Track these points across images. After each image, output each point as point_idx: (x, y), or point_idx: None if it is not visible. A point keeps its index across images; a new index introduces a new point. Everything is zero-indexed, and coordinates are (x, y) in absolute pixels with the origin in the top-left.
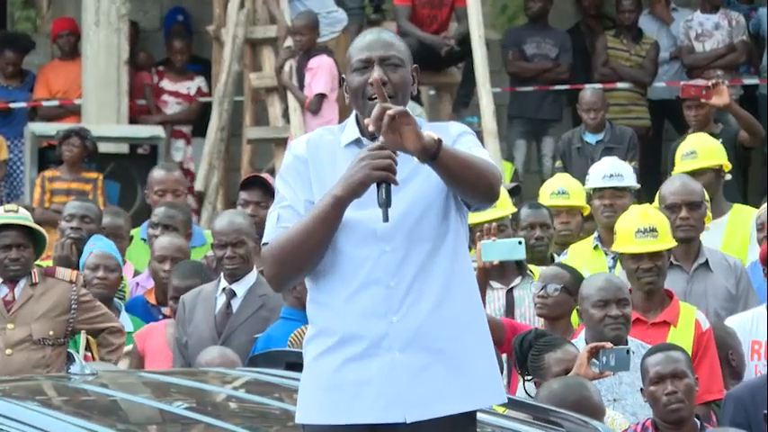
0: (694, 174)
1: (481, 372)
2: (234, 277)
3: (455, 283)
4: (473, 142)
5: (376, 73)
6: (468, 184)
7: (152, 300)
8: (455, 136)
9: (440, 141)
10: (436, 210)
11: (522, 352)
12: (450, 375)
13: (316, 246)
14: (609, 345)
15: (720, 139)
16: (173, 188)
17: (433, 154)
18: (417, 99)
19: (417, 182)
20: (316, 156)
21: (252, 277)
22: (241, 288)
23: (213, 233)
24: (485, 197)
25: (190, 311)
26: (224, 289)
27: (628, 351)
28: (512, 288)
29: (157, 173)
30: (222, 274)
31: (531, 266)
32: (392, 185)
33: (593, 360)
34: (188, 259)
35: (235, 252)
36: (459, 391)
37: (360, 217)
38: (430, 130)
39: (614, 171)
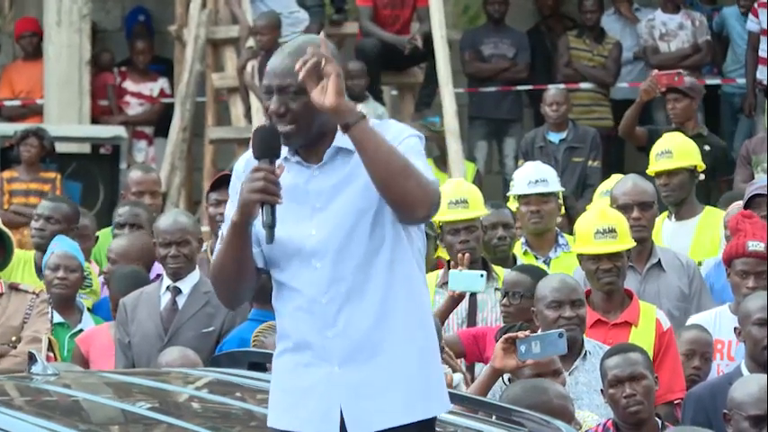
0: (669, 173)
1: (425, 382)
2: (177, 276)
3: (396, 294)
4: (412, 149)
5: (273, 105)
6: (390, 183)
7: None
8: (399, 135)
9: (364, 116)
10: (366, 224)
11: None
12: (390, 388)
13: (233, 266)
14: (522, 334)
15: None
16: (151, 189)
17: (346, 123)
18: (380, 99)
19: (344, 198)
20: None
21: (195, 276)
22: (186, 285)
23: (157, 232)
24: (408, 209)
25: (132, 312)
26: (168, 287)
27: (560, 335)
28: (475, 292)
29: (135, 173)
30: (165, 273)
31: (496, 268)
32: (276, 205)
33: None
34: (129, 266)
35: (179, 251)
36: (400, 403)
37: (291, 234)
38: (378, 127)
39: (539, 177)
